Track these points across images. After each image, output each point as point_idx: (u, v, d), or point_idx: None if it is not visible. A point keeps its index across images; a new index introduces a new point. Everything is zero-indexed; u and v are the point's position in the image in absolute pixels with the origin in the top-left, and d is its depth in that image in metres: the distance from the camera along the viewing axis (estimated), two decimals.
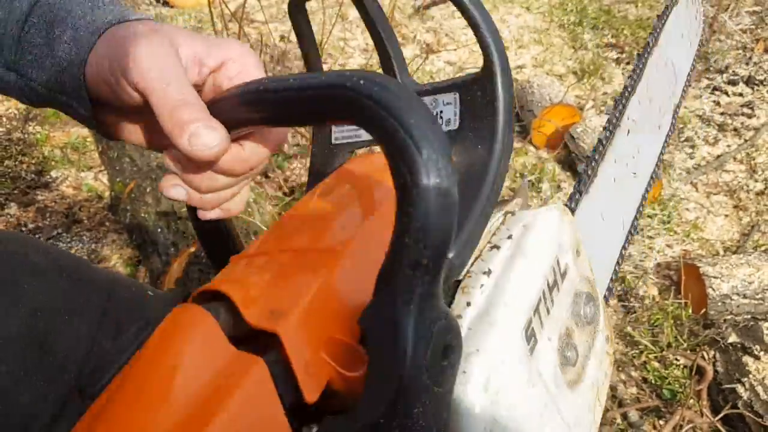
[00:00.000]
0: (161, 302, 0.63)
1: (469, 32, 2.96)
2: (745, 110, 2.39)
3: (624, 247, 0.78)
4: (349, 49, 2.62)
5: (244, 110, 0.43)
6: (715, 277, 1.65)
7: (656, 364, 1.59)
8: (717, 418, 1.41)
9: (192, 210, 0.53)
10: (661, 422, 1.45)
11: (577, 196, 0.70)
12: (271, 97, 0.40)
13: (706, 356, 1.57)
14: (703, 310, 1.65)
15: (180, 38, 0.46)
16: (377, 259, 0.34)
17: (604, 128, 0.77)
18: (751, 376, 1.45)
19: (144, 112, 0.46)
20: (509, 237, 0.47)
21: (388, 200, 0.47)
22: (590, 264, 0.55)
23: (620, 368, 1.59)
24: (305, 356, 0.37)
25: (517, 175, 2.18)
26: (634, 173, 0.82)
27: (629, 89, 0.81)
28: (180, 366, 0.37)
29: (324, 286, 0.40)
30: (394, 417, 0.33)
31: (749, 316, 1.64)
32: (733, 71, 2.56)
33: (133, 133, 0.54)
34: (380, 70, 0.57)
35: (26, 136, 2.09)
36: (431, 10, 3.04)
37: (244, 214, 1.63)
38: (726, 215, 2.05)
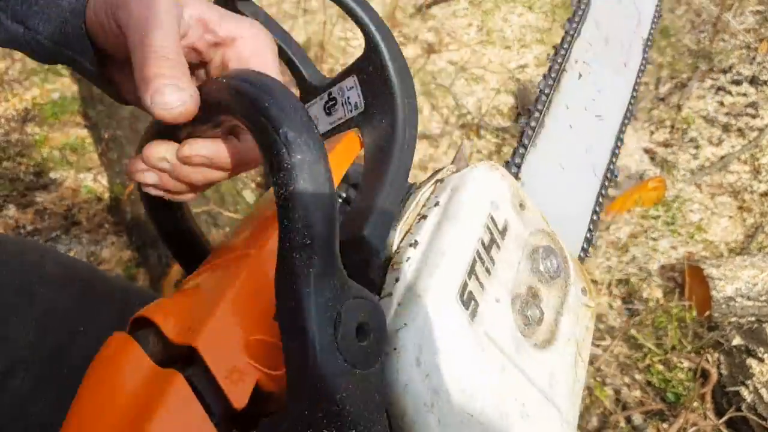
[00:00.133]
0: None
1: (472, 31, 2.92)
2: (749, 110, 2.38)
3: (601, 194, 0.74)
4: (350, 49, 2.61)
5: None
6: (719, 279, 1.64)
7: (660, 367, 1.57)
8: (721, 420, 1.40)
9: (151, 199, 0.51)
10: (665, 425, 1.44)
11: (521, 151, 0.66)
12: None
13: (710, 359, 1.56)
14: (708, 313, 1.64)
15: None
16: None
17: (544, 76, 0.73)
18: (755, 378, 1.44)
19: None
20: (436, 204, 0.46)
21: None
22: (543, 216, 0.53)
23: (624, 371, 1.57)
24: (227, 364, 0.37)
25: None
26: (599, 116, 0.76)
27: (571, 32, 0.76)
28: (110, 394, 0.38)
29: (239, 290, 0.40)
30: (319, 406, 0.32)
31: (753, 318, 1.63)
32: (737, 71, 2.54)
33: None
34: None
35: (24, 137, 2.08)
36: (432, 9, 3.03)
37: (230, 209, 1.62)
38: (730, 216, 2.04)
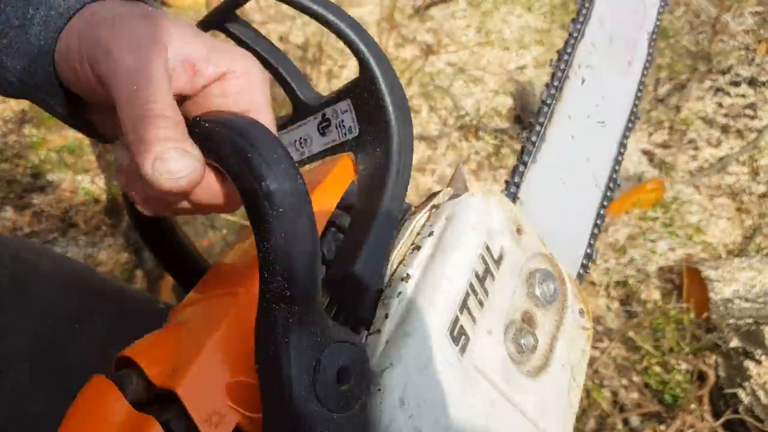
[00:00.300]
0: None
1: (470, 33, 2.92)
2: (748, 112, 2.38)
3: (603, 206, 0.70)
4: (348, 51, 2.61)
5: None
6: (717, 281, 1.64)
7: (658, 369, 1.57)
8: (718, 422, 1.40)
9: (135, 212, 0.48)
10: (663, 427, 1.44)
11: (521, 168, 0.64)
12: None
13: (707, 361, 1.55)
14: (706, 314, 1.64)
15: (175, 33, 0.39)
16: None
17: (546, 85, 0.69)
18: (752, 380, 1.44)
19: None
20: (431, 234, 0.45)
21: None
22: (541, 238, 0.51)
23: (622, 373, 1.57)
24: (207, 408, 0.37)
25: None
26: (602, 122, 0.73)
27: (574, 35, 0.73)
28: None
29: (224, 333, 0.39)
30: None
31: (751, 321, 1.63)
32: (736, 72, 2.54)
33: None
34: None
35: (22, 139, 2.07)
36: (431, 10, 3.02)
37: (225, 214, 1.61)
38: (728, 218, 2.03)
